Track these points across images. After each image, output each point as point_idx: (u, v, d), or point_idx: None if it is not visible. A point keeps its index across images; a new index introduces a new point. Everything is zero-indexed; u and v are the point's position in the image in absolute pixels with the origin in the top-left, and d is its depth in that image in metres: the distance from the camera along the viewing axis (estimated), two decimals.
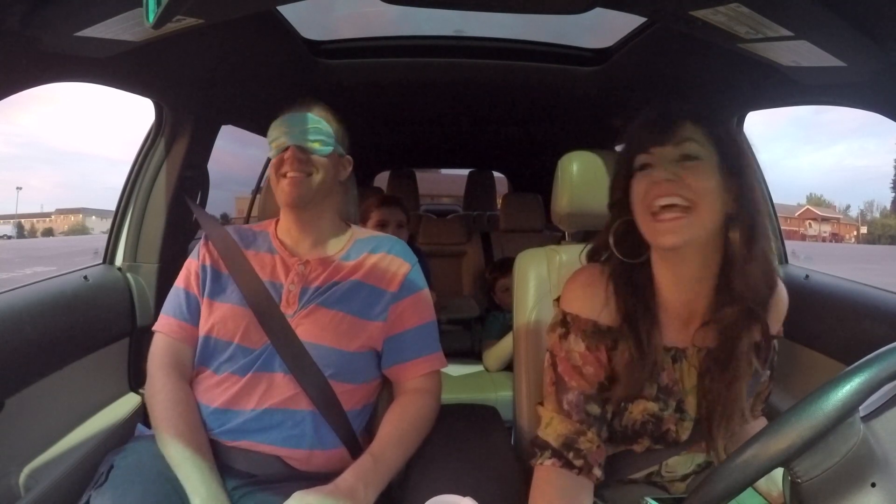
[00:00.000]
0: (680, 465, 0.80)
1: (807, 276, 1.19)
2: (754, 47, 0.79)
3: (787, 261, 1.33)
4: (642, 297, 0.73)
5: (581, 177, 1.03)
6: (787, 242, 1.36)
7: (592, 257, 0.83)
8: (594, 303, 0.75)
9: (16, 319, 0.93)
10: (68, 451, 0.96)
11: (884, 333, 0.93)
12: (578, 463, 0.71)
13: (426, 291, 0.99)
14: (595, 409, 0.74)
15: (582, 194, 1.03)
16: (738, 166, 0.69)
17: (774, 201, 1.38)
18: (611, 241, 0.76)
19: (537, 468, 0.73)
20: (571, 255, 0.95)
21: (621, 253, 0.75)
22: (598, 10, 0.85)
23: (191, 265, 0.97)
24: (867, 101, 0.88)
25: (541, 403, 0.79)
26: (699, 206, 0.66)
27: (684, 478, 0.83)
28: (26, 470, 0.90)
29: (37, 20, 0.70)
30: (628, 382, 0.72)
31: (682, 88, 1.27)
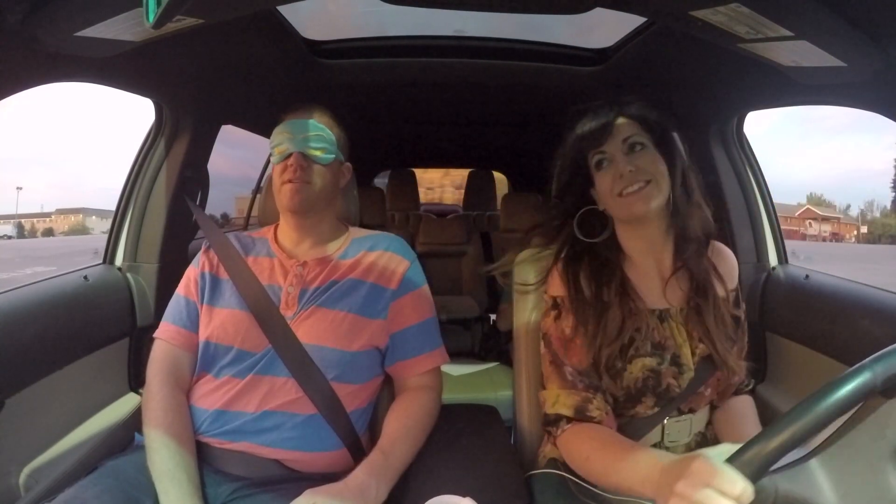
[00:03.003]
0: (681, 432, 0.86)
1: (807, 276, 1.19)
2: (754, 47, 0.79)
3: (786, 261, 1.33)
4: (610, 267, 0.85)
5: None
6: (787, 242, 1.36)
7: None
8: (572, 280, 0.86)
9: (16, 319, 0.93)
10: (68, 451, 0.96)
11: (884, 333, 0.92)
12: (596, 419, 0.79)
13: (425, 288, 0.99)
14: (592, 379, 0.82)
15: None
16: (665, 148, 0.84)
17: (774, 200, 1.38)
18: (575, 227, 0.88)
19: (560, 439, 0.80)
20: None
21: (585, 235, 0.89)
22: (598, 10, 0.85)
23: (191, 273, 0.98)
24: (867, 101, 0.88)
25: (541, 388, 0.86)
26: (655, 182, 0.82)
27: (686, 450, 0.86)
28: (26, 470, 0.90)
29: (37, 20, 0.70)
30: (608, 337, 0.80)
31: (682, 88, 1.27)
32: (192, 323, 0.94)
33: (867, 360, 0.48)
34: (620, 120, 0.85)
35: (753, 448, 0.49)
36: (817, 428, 0.47)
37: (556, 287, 0.87)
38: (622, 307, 0.82)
